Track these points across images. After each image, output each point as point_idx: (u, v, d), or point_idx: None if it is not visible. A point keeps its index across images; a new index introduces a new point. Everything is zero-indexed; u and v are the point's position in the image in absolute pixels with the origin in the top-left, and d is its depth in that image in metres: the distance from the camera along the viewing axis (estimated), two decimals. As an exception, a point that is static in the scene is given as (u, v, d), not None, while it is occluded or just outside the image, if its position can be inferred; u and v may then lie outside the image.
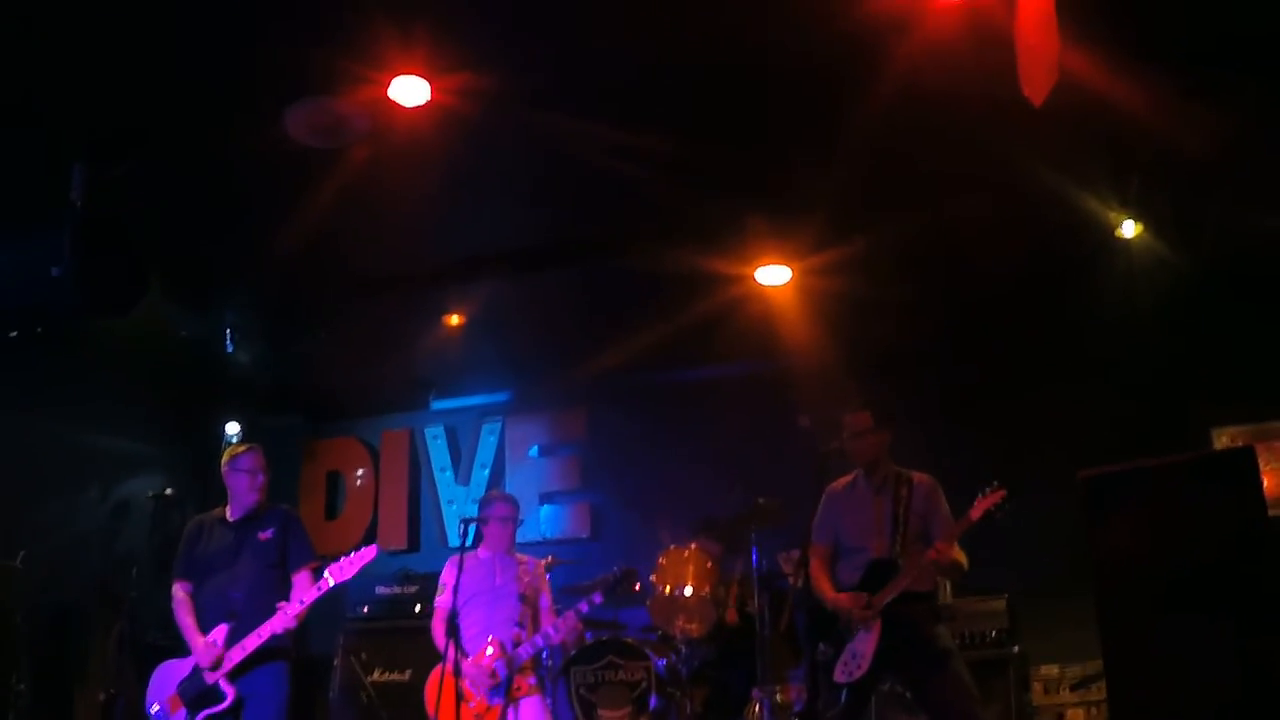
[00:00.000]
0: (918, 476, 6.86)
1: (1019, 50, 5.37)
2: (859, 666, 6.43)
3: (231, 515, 7.31)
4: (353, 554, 7.01)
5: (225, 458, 7.41)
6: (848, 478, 7.00)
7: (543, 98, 6.48)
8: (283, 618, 6.77)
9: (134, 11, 5.68)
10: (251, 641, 6.76)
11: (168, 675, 7.04)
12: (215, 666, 6.78)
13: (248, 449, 7.41)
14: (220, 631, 6.84)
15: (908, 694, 7.09)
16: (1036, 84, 5.21)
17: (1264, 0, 5.81)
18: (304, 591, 6.96)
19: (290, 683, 7.01)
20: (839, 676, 6.48)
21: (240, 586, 7.01)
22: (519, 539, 8.27)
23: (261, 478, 7.31)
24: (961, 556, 6.61)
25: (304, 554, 7.24)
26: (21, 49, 5.94)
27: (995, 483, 6.44)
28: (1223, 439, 9.16)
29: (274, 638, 6.79)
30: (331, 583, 6.93)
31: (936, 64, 6.05)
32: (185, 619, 7.07)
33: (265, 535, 7.17)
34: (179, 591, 7.20)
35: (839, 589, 6.67)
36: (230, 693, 6.77)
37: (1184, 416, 9.15)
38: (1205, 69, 6.25)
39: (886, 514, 6.72)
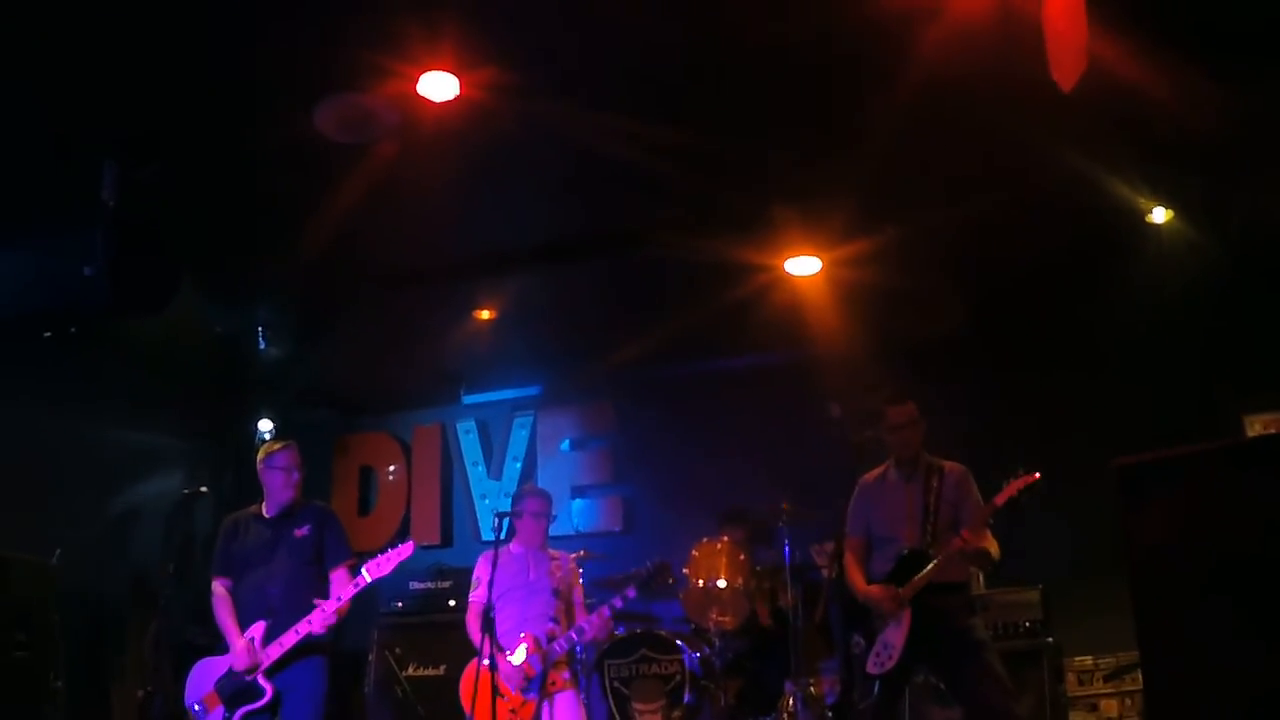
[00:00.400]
0: (949, 465, 6.85)
1: (1047, 36, 5.34)
2: (890, 658, 6.43)
3: (268, 512, 7.35)
4: (389, 550, 7.05)
5: (260, 455, 7.45)
6: (879, 469, 7.00)
7: (570, 91, 6.48)
8: (321, 615, 6.81)
9: (163, 10, 5.70)
10: (289, 639, 6.81)
11: (205, 672, 7.09)
12: (254, 667, 6.83)
13: (283, 446, 7.43)
14: (258, 629, 6.90)
15: (941, 685, 7.08)
16: (1066, 70, 5.19)
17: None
18: (341, 588, 6.99)
19: (328, 678, 7.06)
20: (871, 668, 6.49)
21: (277, 583, 7.06)
22: (551, 532, 8.29)
23: (297, 474, 7.35)
24: (993, 546, 6.60)
25: (341, 551, 7.28)
26: (51, 48, 5.96)
27: (1024, 468, 6.43)
28: (1255, 426, 9.12)
29: (311, 634, 6.82)
30: (368, 579, 6.98)
31: (964, 51, 6.01)
32: (224, 616, 7.12)
33: (301, 532, 7.21)
34: (218, 588, 7.26)
35: (871, 580, 6.68)
36: (269, 689, 6.82)
37: (1215, 404, 9.13)
38: (1234, 54, 6.20)
39: (918, 504, 6.72)
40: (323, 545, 7.22)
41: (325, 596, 6.94)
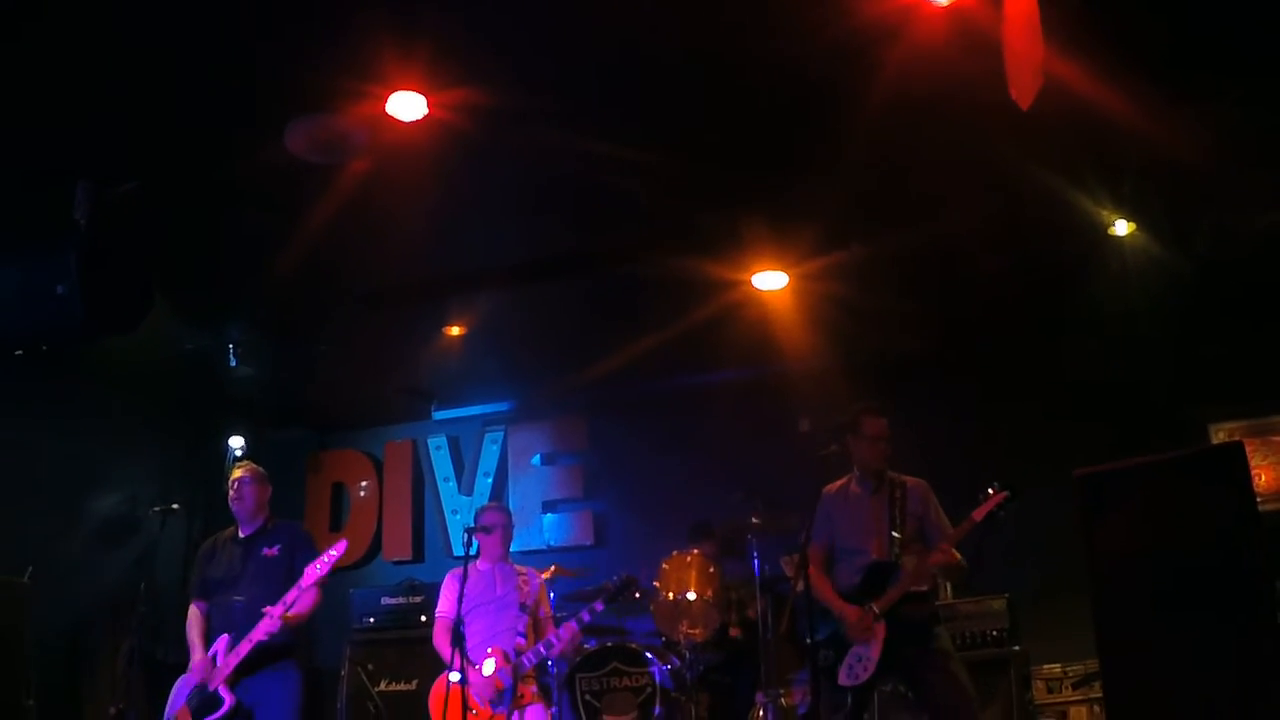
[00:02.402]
0: (911, 480, 6.95)
1: (1006, 55, 5.44)
2: (865, 669, 6.50)
3: (242, 533, 7.53)
4: (323, 554, 7.12)
5: (228, 482, 7.61)
6: (842, 481, 7.07)
7: (538, 111, 6.52)
8: (267, 622, 6.89)
9: (135, 31, 5.74)
10: (243, 648, 6.93)
11: (180, 689, 7.20)
12: (208, 677, 6.99)
13: (243, 472, 7.60)
14: (221, 642, 7.09)
15: (909, 694, 7.15)
16: (1023, 88, 5.27)
17: (1247, 4, 5.86)
18: (289, 595, 7.03)
19: (302, 690, 7.18)
20: (844, 680, 6.55)
21: (242, 598, 7.19)
22: (523, 548, 8.35)
23: (246, 490, 7.51)
24: (960, 557, 6.70)
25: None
26: (23, 69, 5.99)
27: (996, 484, 6.52)
28: (1220, 435, 9.24)
29: (271, 641, 6.92)
30: (305, 583, 7.03)
31: (926, 70, 6.10)
32: (192, 635, 7.32)
33: (270, 551, 7.37)
34: (194, 609, 7.45)
35: (838, 591, 6.74)
36: (228, 699, 6.93)
37: (1182, 414, 9.23)
38: (1190, 73, 6.31)
39: (883, 516, 6.79)
40: (293, 564, 7.29)
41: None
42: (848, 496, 6.99)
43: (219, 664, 7.01)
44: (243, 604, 7.15)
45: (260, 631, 6.89)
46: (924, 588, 6.72)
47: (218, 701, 6.95)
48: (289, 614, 6.96)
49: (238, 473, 7.60)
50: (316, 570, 7.06)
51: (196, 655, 7.19)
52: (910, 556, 6.65)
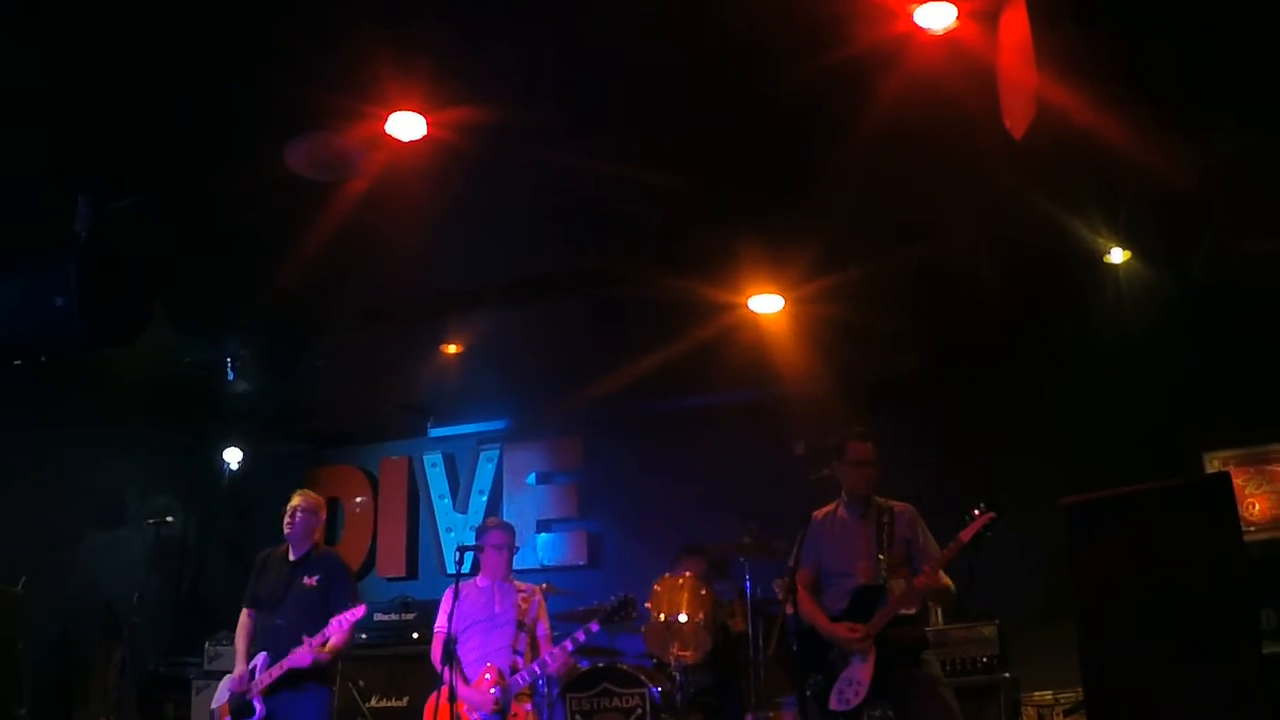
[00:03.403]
0: (899, 505, 6.97)
1: (1000, 84, 5.50)
2: (856, 694, 6.49)
3: (292, 555, 8.00)
4: (344, 613, 7.57)
5: (285, 506, 8.09)
6: (830, 506, 7.07)
7: (537, 131, 6.55)
8: (300, 653, 7.46)
9: (138, 47, 5.78)
10: (274, 672, 7.53)
11: (225, 687, 7.88)
12: (246, 688, 7.61)
13: (300, 500, 8.07)
14: (261, 658, 7.65)
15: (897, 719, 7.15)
16: (1017, 117, 5.33)
17: (1237, 34, 5.90)
18: (329, 629, 7.54)
19: (329, 708, 7.83)
20: (835, 705, 6.54)
21: (283, 623, 7.71)
22: (517, 567, 8.35)
23: (314, 521, 8.07)
24: (949, 581, 6.72)
25: (344, 600, 7.78)
26: (26, 84, 6.03)
27: (983, 505, 6.52)
28: (1215, 463, 9.24)
29: (303, 669, 7.49)
30: (330, 633, 7.54)
31: (922, 96, 6.13)
32: (240, 642, 7.99)
33: (311, 581, 7.84)
34: (243, 618, 8.08)
35: (827, 615, 6.75)
36: (259, 709, 7.56)
37: (1176, 441, 9.24)
38: (1184, 101, 6.35)
39: (871, 541, 6.80)
40: (328, 594, 7.79)
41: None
42: (835, 521, 6.99)
43: (257, 677, 7.57)
44: (283, 627, 7.68)
45: (293, 659, 7.45)
46: (912, 611, 6.72)
47: (250, 709, 7.58)
48: (321, 649, 7.51)
49: (296, 500, 8.04)
50: (339, 625, 7.52)
51: (239, 665, 7.78)
52: (898, 580, 6.66)
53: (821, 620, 6.73)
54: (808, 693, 6.67)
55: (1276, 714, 5.84)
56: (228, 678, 7.88)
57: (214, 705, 7.86)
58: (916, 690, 6.51)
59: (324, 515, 8.32)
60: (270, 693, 7.54)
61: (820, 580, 6.93)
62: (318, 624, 7.56)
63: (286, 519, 7.97)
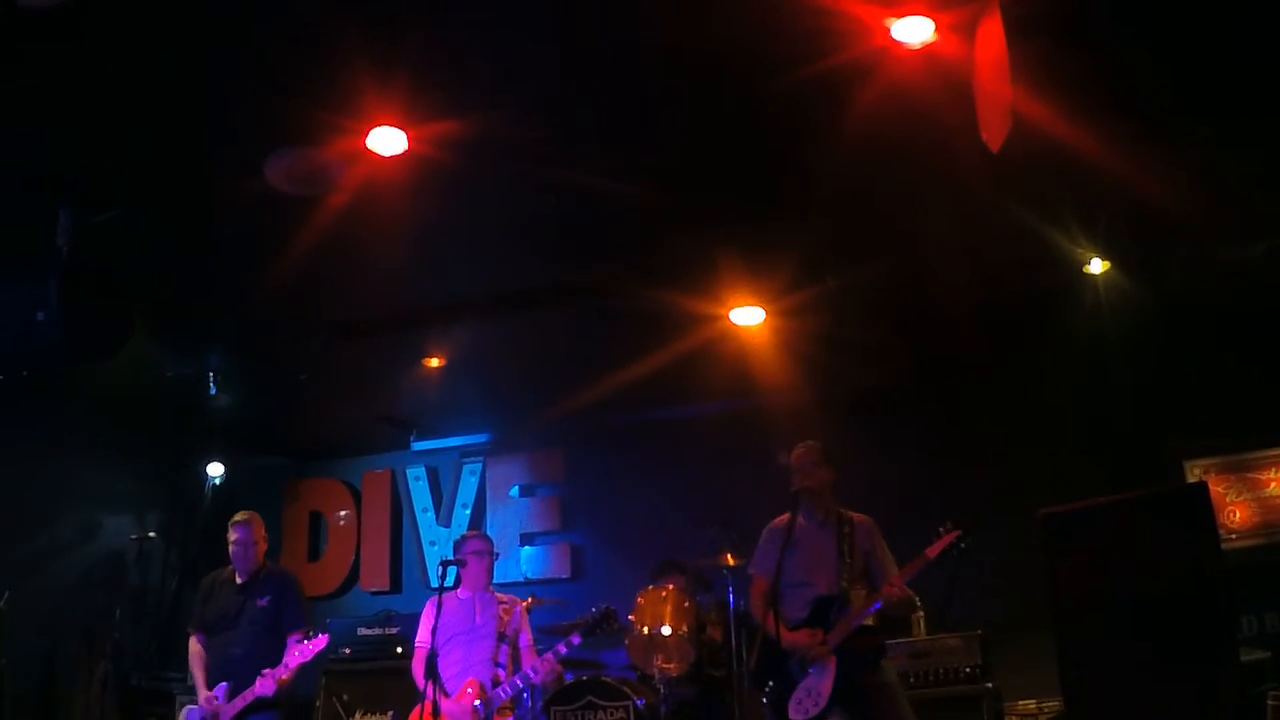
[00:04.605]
0: (858, 516, 7.03)
1: (977, 98, 5.53)
2: (815, 704, 6.52)
3: (239, 578, 8.06)
4: (306, 643, 7.73)
5: (229, 528, 8.14)
6: (786, 515, 7.07)
7: (518, 145, 6.57)
8: (264, 683, 7.58)
9: (118, 63, 5.78)
10: (240, 703, 7.63)
11: (190, 717, 7.96)
12: (214, 716, 7.69)
13: (243, 520, 8.15)
14: (221, 690, 7.72)
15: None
16: (993, 131, 5.36)
17: (1212, 47, 5.96)
18: (289, 656, 7.66)
19: None
20: (794, 714, 6.57)
21: (240, 648, 7.84)
22: (500, 580, 8.37)
23: (254, 548, 8.09)
24: (910, 592, 6.78)
25: (296, 620, 7.95)
26: (7, 96, 6.03)
27: (949, 523, 6.57)
28: (1196, 472, 9.28)
29: (261, 696, 7.59)
30: (291, 663, 7.67)
31: (900, 109, 6.17)
32: (196, 671, 8.04)
33: (263, 602, 7.91)
34: (194, 644, 8.13)
35: (787, 624, 6.76)
36: None
37: (1157, 450, 9.30)
38: (1160, 114, 6.40)
39: (832, 550, 6.84)
40: (280, 614, 7.89)
41: (278, 662, 7.66)
42: (795, 530, 6.92)
43: (222, 707, 7.66)
44: (240, 655, 7.79)
45: (260, 689, 7.56)
46: (872, 621, 6.76)
47: None
48: (283, 680, 7.63)
49: (239, 519, 8.16)
50: (298, 656, 7.64)
51: (202, 693, 7.85)
52: (859, 590, 6.70)
53: (780, 630, 6.73)
54: (763, 700, 6.71)
55: (1254, 721, 5.90)
56: (190, 709, 7.99)
57: None
58: (875, 698, 6.55)
59: (264, 532, 8.30)
60: None
61: (779, 589, 6.92)
62: (273, 646, 7.74)
63: (231, 546, 8.05)
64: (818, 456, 7.03)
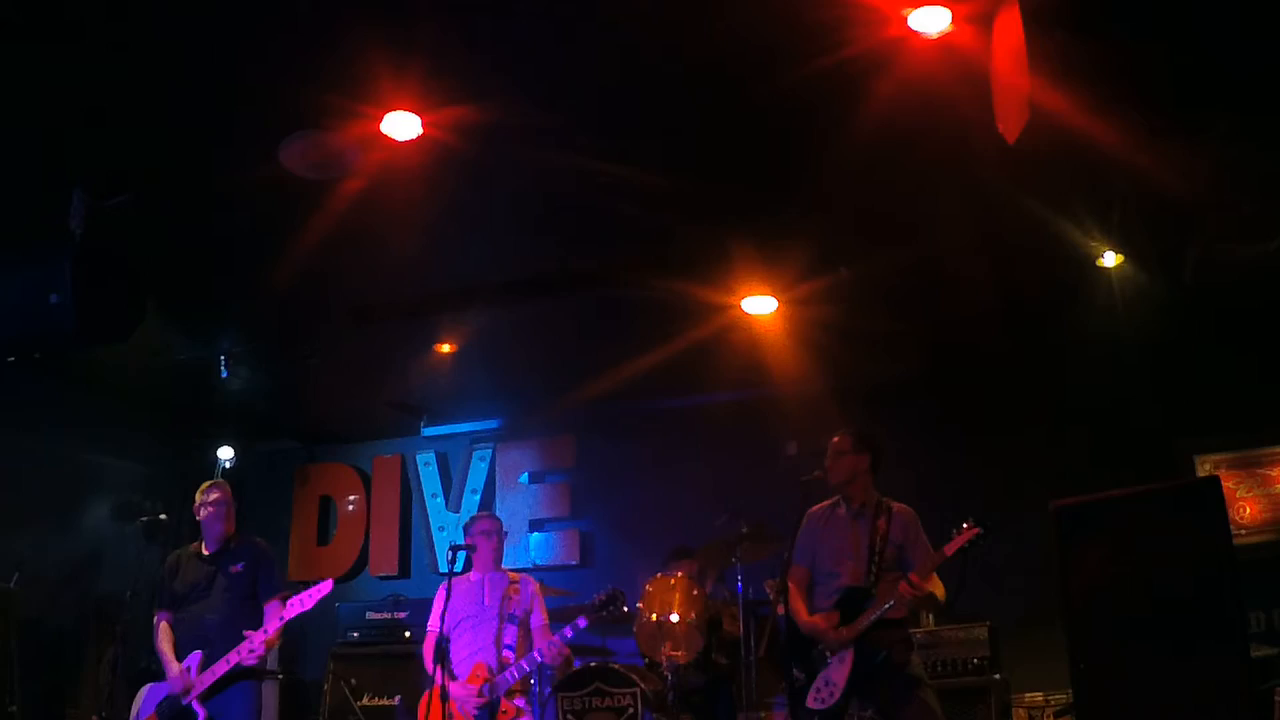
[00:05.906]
0: (898, 507, 6.91)
1: (994, 89, 5.51)
2: (831, 695, 6.50)
3: (207, 549, 7.71)
4: (310, 588, 7.37)
5: (196, 498, 7.79)
6: (828, 502, 7.05)
7: (532, 131, 6.57)
8: (248, 646, 7.19)
9: (133, 45, 5.78)
10: (220, 667, 7.21)
11: (151, 696, 7.49)
12: (186, 691, 7.23)
13: (210, 485, 7.81)
14: (194, 659, 7.28)
15: (879, 720, 7.16)
16: (1010, 122, 5.34)
17: (1229, 40, 5.93)
18: (270, 621, 7.36)
19: (257, 699, 7.44)
20: (811, 704, 6.55)
21: (214, 616, 7.45)
22: (509, 566, 8.36)
23: (223, 511, 7.69)
24: (939, 589, 6.72)
25: (272, 585, 7.65)
26: (22, 80, 6.04)
27: (970, 520, 6.51)
28: (1207, 466, 9.27)
29: (241, 664, 7.22)
30: (287, 616, 7.34)
31: (917, 100, 6.15)
32: (163, 647, 7.54)
33: (236, 569, 7.58)
34: (160, 622, 7.67)
35: (814, 614, 6.75)
36: (202, 713, 7.21)
37: (1168, 445, 9.29)
38: (1178, 107, 6.37)
39: (863, 541, 6.79)
40: (255, 580, 7.58)
41: (257, 628, 7.29)
42: (832, 518, 6.96)
43: (194, 679, 7.23)
44: (215, 622, 7.41)
45: (244, 655, 7.19)
46: (899, 614, 6.73)
47: (191, 715, 7.22)
48: (269, 641, 7.30)
49: (207, 485, 7.82)
50: (300, 605, 7.32)
51: (172, 667, 7.37)
52: (887, 583, 6.66)
53: (802, 613, 6.73)
54: (793, 686, 6.69)
55: (1262, 716, 5.88)
56: (151, 686, 7.60)
57: (139, 716, 7.49)
58: (900, 693, 6.51)
59: (231, 499, 7.84)
60: (208, 695, 7.23)
61: (814, 577, 6.93)
62: (250, 613, 7.42)
63: (207, 511, 7.66)
64: (843, 447, 6.96)
